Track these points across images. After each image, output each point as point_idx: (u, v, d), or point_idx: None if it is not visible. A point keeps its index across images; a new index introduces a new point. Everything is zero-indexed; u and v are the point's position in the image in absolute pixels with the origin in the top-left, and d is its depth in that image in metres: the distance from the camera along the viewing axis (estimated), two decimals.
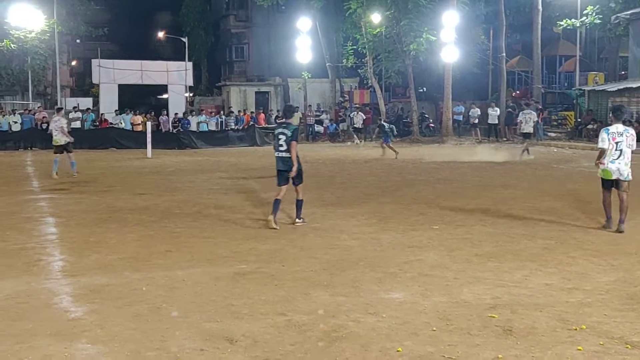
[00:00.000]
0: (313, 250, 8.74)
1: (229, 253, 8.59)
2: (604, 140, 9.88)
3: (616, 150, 9.84)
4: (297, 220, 10.69)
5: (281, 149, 10.36)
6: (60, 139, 17.90)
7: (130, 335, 5.52)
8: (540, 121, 32.04)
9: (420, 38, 32.62)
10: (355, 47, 37.09)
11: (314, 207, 12.33)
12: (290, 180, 10.45)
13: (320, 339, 5.42)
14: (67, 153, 18.09)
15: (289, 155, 10.26)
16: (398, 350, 5.11)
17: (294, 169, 10.24)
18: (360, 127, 34.06)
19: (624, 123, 9.98)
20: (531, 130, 23.12)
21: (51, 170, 17.75)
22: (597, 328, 5.56)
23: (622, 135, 9.85)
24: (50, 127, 19.46)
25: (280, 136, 10.36)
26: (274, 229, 10.11)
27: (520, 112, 24.35)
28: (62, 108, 22.13)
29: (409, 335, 5.47)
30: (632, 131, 10.05)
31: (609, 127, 10.04)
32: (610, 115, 10.50)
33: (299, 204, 10.70)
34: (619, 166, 9.88)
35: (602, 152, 9.93)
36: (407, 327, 5.66)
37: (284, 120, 11.32)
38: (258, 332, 5.58)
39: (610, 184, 10.07)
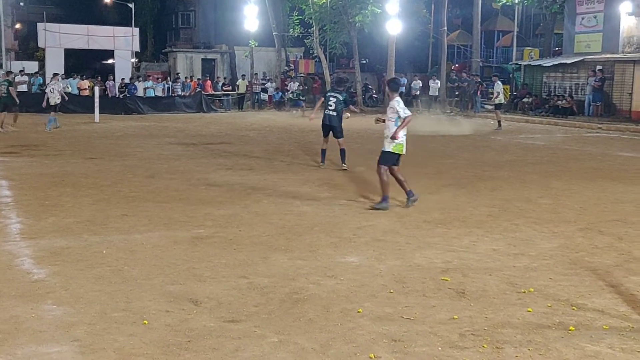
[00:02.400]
0: (268, 215, 8.92)
1: (185, 218, 8.69)
2: (406, 109, 9.35)
3: None
4: (343, 165, 13.27)
5: (330, 108, 13.12)
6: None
7: (96, 297, 5.62)
8: (478, 94, 32.83)
9: (366, 10, 32.93)
10: (301, 17, 37.05)
11: (266, 174, 12.50)
12: (331, 133, 13.23)
13: (283, 300, 5.62)
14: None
15: (336, 114, 13.09)
16: (359, 311, 5.35)
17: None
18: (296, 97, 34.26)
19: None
20: (503, 101, 24.24)
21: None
22: (544, 291, 5.91)
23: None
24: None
25: (331, 99, 13.10)
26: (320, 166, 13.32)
27: (495, 84, 25.25)
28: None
29: (368, 297, 5.72)
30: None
31: (399, 100, 9.52)
32: (388, 89, 9.93)
33: (342, 152, 13.32)
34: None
35: (409, 121, 9.32)
36: (366, 290, 5.91)
37: (334, 87, 14.69)
38: (221, 294, 5.74)
39: (396, 159, 9.55)
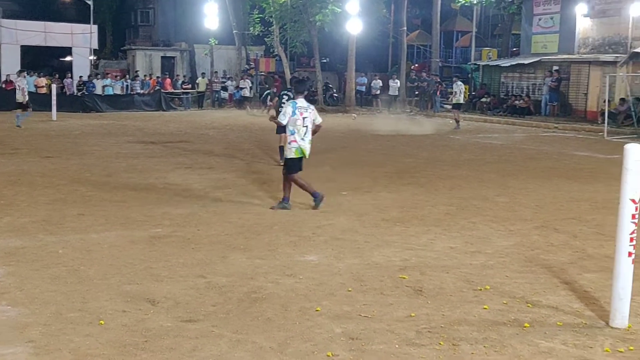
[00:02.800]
0: (227, 214, 8.89)
1: (142, 217, 8.62)
2: (286, 114, 9.16)
3: (303, 126, 9.18)
4: (280, 161, 12.81)
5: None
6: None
7: (51, 297, 5.54)
8: (438, 94, 33.15)
9: (326, 9, 33.00)
10: (262, 15, 36.98)
11: (225, 172, 12.45)
12: None
13: (241, 299, 5.60)
14: None
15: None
16: (317, 310, 5.36)
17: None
18: (248, 95, 34.12)
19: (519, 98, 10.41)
20: (462, 100, 24.40)
21: None
22: (500, 288, 6.00)
23: (307, 110, 9.26)
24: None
25: (284, 97, 13.19)
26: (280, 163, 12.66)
27: (454, 84, 25.37)
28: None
29: (326, 296, 5.73)
30: (313, 107, 9.50)
31: (296, 101, 9.31)
32: (293, 90, 9.79)
33: (281, 148, 12.84)
34: (307, 144, 9.33)
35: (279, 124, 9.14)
36: (324, 288, 5.93)
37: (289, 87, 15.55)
38: (179, 294, 5.70)
39: (300, 164, 9.40)
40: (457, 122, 24.92)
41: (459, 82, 25.57)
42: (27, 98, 22.08)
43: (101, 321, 5.02)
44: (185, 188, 10.85)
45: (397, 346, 4.66)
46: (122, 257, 6.76)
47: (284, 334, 4.85)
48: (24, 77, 23.71)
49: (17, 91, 22.19)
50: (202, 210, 9.16)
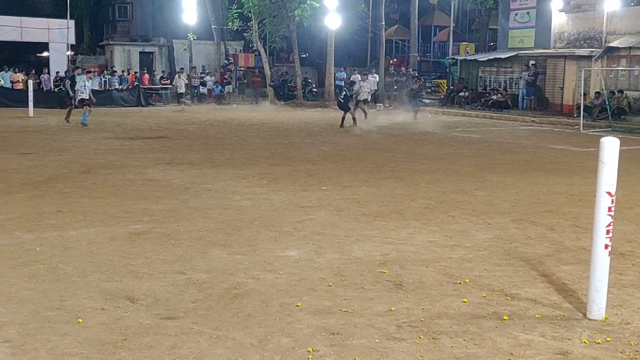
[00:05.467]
0: (207, 210, 8.85)
1: (122, 213, 8.56)
2: None
3: None
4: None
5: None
6: None
7: (28, 296, 5.49)
8: (416, 88, 33.17)
9: (305, 4, 32.91)
10: (240, 10, 36.79)
11: (205, 168, 12.40)
12: None
13: (221, 296, 5.59)
14: None
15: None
16: (297, 305, 5.36)
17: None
18: (183, 91, 33.65)
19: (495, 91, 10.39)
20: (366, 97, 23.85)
21: None
22: (479, 282, 6.04)
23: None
24: None
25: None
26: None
27: (358, 82, 23.95)
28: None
29: (307, 291, 5.73)
30: None
31: None
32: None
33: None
34: None
35: None
36: (305, 283, 5.93)
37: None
38: (159, 291, 5.67)
39: None
40: (354, 119, 22.23)
41: (370, 78, 24.13)
42: None
43: (79, 319, 4.98)
44: (165, 184, 10.79)
45: (377, 340, 4.67)
46: (101, 254, 6.71)
47: (265, 330, 4.84)
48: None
49: None
50: (182, 206, 9.12)
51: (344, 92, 22.43)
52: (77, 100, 21.46)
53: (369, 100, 25.48)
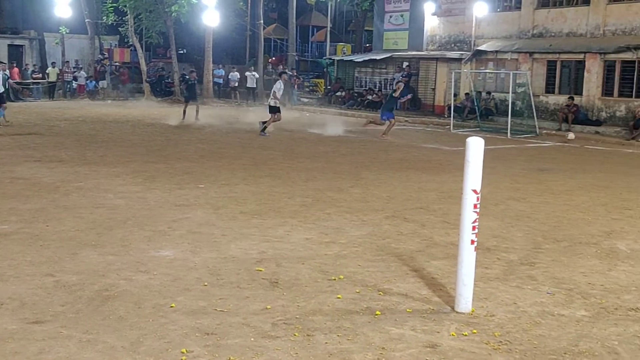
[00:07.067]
0: (78, 209, 8.55)
1: None
2: None
3: None
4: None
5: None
6: None
7: None
8: (295, 87, 33.51)
9: (182, 0, 32.38)
10: (115, 4, 35.76)
11: (77, 165, 11.97)
12: None
13: (92, 298, 5.41)
14: None
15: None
16: (171, 306, 5.27)
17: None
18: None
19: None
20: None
21: None
22: (353, 277, 6.16)
23: None
24: None
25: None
26: None
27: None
28: None
29: (182, 291, 5.65)
30: None
31: None
32: None
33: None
34: None
35: None
36: (179, 284, 5.84)
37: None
38: (25, 294, 5.43)
39: None
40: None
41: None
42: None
43: None
44: (34, 182, 10.33)
45: (252, 339, 4.68)
46: None
47: (137, 332, 4.74)
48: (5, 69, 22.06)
49: None
50: (51, 205, 8.76)
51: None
52: None
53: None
